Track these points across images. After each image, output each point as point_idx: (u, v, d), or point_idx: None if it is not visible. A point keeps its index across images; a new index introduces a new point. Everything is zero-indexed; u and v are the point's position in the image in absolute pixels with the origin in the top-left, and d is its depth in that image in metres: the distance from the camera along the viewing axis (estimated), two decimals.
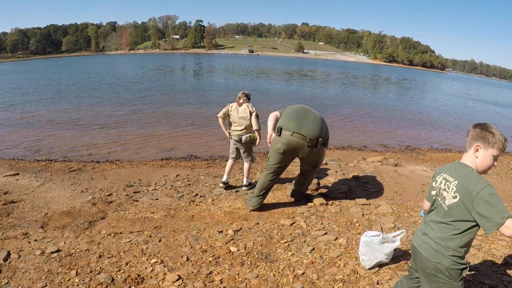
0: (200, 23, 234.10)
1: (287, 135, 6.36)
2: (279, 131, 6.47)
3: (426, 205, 3.31)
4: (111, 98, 24.36)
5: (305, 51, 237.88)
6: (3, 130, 15.36)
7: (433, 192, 3.15)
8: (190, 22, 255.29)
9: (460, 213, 2.82)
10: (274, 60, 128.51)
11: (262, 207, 6.94)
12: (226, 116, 7.78)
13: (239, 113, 7.63)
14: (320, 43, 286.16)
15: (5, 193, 7.57)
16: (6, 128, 15.77)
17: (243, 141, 7.67)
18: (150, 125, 16.67)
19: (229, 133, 7.89)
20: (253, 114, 7.57)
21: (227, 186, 8.22)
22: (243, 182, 8.29)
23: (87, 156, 11.79)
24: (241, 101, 7.72)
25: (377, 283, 4.47)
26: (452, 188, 2.90)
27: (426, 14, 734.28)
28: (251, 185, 8.15)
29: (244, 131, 7.67)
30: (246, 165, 8.10)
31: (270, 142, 6.76)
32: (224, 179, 8.19)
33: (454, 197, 2.87)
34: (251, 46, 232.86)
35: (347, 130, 17.89)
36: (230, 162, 8.19)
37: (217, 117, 7.86)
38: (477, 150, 2.89)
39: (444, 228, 2.94)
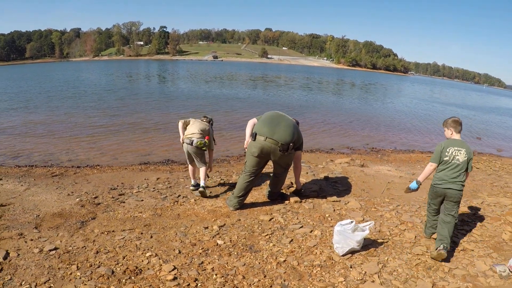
0: (164, 29, 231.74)
1: (261, 140, 6.96)
2: (254, 136, 7.06)
3: (431, 166, 5.85)
4: (82, 106, 24.19)
5: (269, 56, 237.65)
6: None
7: (446, 158, 5.69)
8: (154, 29, 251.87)
9: (465, 165, 5.67)
10: (239, 66, 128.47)
11: (242, 206, 7.48)
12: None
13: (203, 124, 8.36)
14: (283, 48, 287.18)
15: None
16: None
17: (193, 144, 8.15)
18: (124, 132, 16.83)
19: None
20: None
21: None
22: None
23: (67, 161, 11.92)
24: (204, 120, 8.55)
25: (350, 267, 5.09)
26: (463, 153, 5.64)
27: (388, 18, 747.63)
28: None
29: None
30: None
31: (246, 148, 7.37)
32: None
33: (465, 157, 5.64)
34: (215, 52, 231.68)
35: (314, 134, 18.48)
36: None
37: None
38: (460, 131, 5.92)
39: (460, 174, 5.68)
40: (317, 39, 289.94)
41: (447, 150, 5.70)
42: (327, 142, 16.72)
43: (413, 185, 6.04)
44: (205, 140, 8.08)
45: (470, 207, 7.92)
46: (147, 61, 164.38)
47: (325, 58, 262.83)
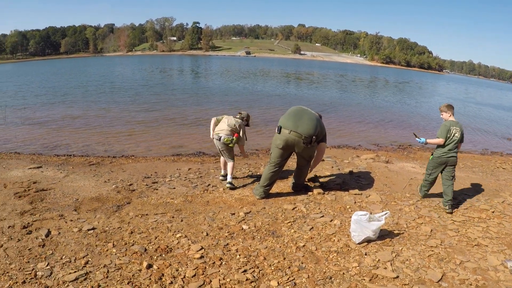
0: (197, 24, 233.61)
1: (285, 133, 7.36)
2: (279, 129, 7.47)
3: (439, 140, 7.56)
4: (118, 101, 24.88)
5: (301, 52, 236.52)
6: (18, 128, 15.96)
7: (449, 135, 7.49)
8: (187, 24, 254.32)
9: (459, 139, 7.52)
10: (271, 62, 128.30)
11: (267, 196, 7.89)
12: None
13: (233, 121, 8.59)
14: (316, 44, 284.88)
15: (34, 183, 8.25)
16: (21, 126, 16.38)
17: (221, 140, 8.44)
18: (158, 125, 17.38)
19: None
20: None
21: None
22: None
23: (103, 152, 12.49)
24: (237, 116, 8.77)
25: (365, 254, 5.42)
26: (459, 130, 7.52)
27: (423, 15, 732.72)
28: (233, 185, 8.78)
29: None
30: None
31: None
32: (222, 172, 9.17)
33: (459, 133, 7.50)
34: (248, 47, 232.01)
35: (343, 131, 18.70)
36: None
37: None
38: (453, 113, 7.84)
39: (456, 145, 7.56)
40: (350, 35, 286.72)
41: (450, 129, 7.55)
42: (355, 138, 16.95)
43: (422, 140, 7.77)
44: (233, 137, 8.38)
45: (490, 206, 8.07)
46: (180, 56, 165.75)
47: (359, 55, 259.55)
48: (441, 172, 7.88)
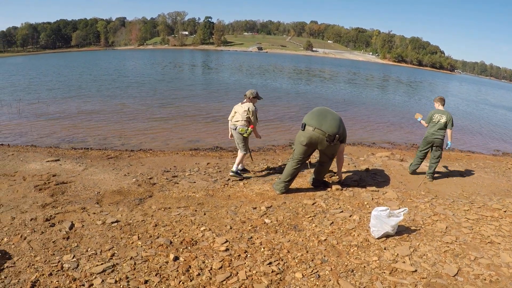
0: (209, 19, 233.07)
1: (310, 130, 7.52)
2: (303, 126, 7.63)
3: (423, 123, 9.98)
4: (132, 95, 25.05)
5: (313, 49, 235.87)
6: (33, 122, 16.04)
7: (434, 120, 9.66)
8: (199, 19, 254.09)
9: (445, 124, 9.49)
10: (283, 58, 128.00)
11: (287, 191, 8.05)
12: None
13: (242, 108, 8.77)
14: (329, 41, 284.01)
15: (53, 175, 8.38)
16: (36, 120, 16.47)
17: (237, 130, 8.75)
18: (174, 119, 17.53)
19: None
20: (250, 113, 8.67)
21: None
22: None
23: (120, 145, 12.63)
24: (244, 100, 8.89)
25: (384, 249, 5.56)
26: (444, 117, 9.52)
27: (436, 14, 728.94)
28: (237, 174, 9.11)
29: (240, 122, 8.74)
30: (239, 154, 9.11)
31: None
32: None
33: (445, 119, 9.50)
34: (259, 43, 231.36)
35: (357, 128, 18.79)
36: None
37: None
38: (444, 104, 9.90)
39: (441, 129, 9.56)
40: (363, 33, 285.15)
41: (434, 115, 9.79)
42: (369, 136, 17.06)
43: (419, 119, 10.35)
44: (249, 128, 8.62)
45: (502, 205, 8.17)
46: (192, 51, 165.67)
47: (371, 53, 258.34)
48: (431, 151, 10.11)
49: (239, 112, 8.73)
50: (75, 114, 18.02)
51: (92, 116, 17.69)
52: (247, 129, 8.62)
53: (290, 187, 8.21)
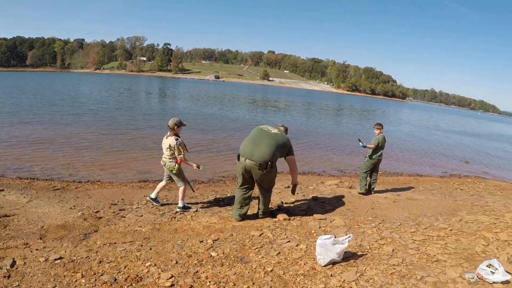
0: (168, 46, 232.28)
1: (242, 160, 7.70)
2: (238, 156, 7.79)
3: (372, 145, 11.47)
4: (83, 122, 24.40)
5: (270, 78, 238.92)
6: None
7: (379, 144, 11.42)
8: (158, 45, 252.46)
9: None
10: (240, 87, 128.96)
11: (236, 222, 8.05)
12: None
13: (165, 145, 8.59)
14: (285, 71, 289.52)
15: None
16: None
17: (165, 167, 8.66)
18: (124, 149, 17.22)
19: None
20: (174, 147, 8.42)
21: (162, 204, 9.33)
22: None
23: (68, 176, 12.22)
24: (168, 133, 8.61)
25: (331, 276, 5.57)
26: (384, 141, 11.64)
27: (389, 45, 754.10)
28: (185, 208, 8.96)
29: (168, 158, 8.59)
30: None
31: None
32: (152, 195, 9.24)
33: (384, 144, 11.68)
34: (217, 72, 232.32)
35: (308, 158, 19.03)
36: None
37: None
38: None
39: (382, 152, 11.84)
40: (318, 63, 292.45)
41: (380, 141, 11.45)
42: (320, 165, 17.33)
43: (363, 144, 11.57)
44: (176, 165, 8.52)
45: (448, 224, 8.39)
46: (149, 77, 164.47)
47: (326, 83, 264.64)
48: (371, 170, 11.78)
49: (164, 146, 8.58)
50: (24, 141, 17.26)
51: (42, 144, 17.01)
52: (175, 166, 8.52)
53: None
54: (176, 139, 8.40)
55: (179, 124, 8.53)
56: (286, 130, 8.67)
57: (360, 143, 11.61)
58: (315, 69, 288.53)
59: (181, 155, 8.45)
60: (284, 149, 7.87)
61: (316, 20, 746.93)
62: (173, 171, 8.57)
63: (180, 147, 8.41)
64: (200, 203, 9.72)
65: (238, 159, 7.79)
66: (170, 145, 8.40)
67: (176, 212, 8.75)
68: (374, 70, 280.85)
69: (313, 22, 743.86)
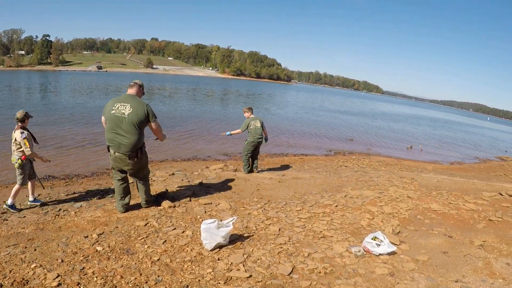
0: (47, 37, 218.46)
1: (112, 153, 7.63)
2: (108, 148, 7.70)
3: (239, 131, 12.38)
4: None
5: (154, 66, 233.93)
6: None
7: (251, 127, 12.12)
8: (36, 37, 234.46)
9: (262, 127, 12.53)
10: (123, 77, 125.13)
11: (120, 214, 8.05)
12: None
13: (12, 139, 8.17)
14: (169, 58, 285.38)
15: None
16: None
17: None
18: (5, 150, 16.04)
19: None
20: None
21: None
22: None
23: None
24: (15, 127, 8.19)
25: (218, 259, 5.86)
26: (259, 122, 12.28)
27: (273, 29, 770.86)
28: (13, 207, 8.40)
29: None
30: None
31: None
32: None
33: (260, 124, 12.38)
34: (99, 62, 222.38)
35: (191, 143, 19.34)
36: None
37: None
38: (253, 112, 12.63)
39: (260, 132, 12.39)
40: (202, 49, 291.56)
41: (250, 123, 12.06)
42: (205, 151, 17.61)
43: (228, 133, 12.69)
44: (19, 159, 8.14)
45: (333, 201, 8.99)
46: (29, 72, 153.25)
47: (210, 68, 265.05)
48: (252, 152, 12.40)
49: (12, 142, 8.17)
50: None
51: None
52: (17, 160, 8.16)
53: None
54: (22, 133, 8.00)
55: (26, 116, 8.16)
56: (140, 87, 8.20)
57: (224, 133, 13.27)
58: (199, 55, 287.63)
59: (28, 149, 8.04)
60: (143, 121, 7.51)
61: (199, 4, 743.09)
62: (15, 165, 8.19)
63: (26, 141, 8.01)
64: (84, 198, 9.50)
65: (108, 150, 7.66)
66: (15, 140, 8.03)
67: (4, 208, 8.32)
68: (259, 54, 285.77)
69: (196, 5, 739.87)
